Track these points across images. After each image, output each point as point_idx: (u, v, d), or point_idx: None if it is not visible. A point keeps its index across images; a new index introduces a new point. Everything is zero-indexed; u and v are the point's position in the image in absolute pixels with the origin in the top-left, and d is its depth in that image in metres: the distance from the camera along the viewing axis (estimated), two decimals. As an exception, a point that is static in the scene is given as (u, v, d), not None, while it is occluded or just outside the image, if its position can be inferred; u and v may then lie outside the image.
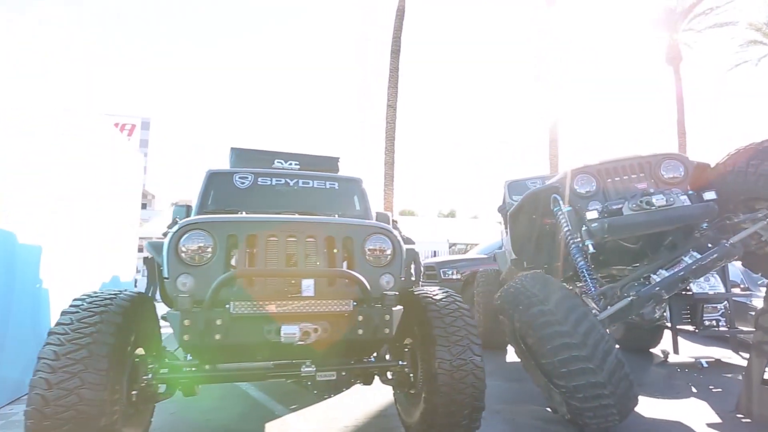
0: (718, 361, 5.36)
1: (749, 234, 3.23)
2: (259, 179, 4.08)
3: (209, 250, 2.35)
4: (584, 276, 3.58)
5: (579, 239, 3.59)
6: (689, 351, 5.91)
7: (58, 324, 2.25)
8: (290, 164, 5.11)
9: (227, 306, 2.07)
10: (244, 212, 3.44)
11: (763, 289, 5.86)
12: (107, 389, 2.15)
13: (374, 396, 3.92)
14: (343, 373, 2.56)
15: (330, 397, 2.86)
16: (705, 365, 5.05)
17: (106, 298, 2.45)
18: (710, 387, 4.30)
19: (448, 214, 44.90)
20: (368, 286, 2.28)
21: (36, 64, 4.30)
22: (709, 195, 3.29)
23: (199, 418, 3.40)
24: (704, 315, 5.19)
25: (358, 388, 3.89)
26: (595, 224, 3.36)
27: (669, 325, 5.04)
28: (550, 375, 2.95)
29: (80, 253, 5.01)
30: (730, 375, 4.80)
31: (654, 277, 3.29)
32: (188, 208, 3.85)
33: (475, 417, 2.61)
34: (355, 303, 2.24)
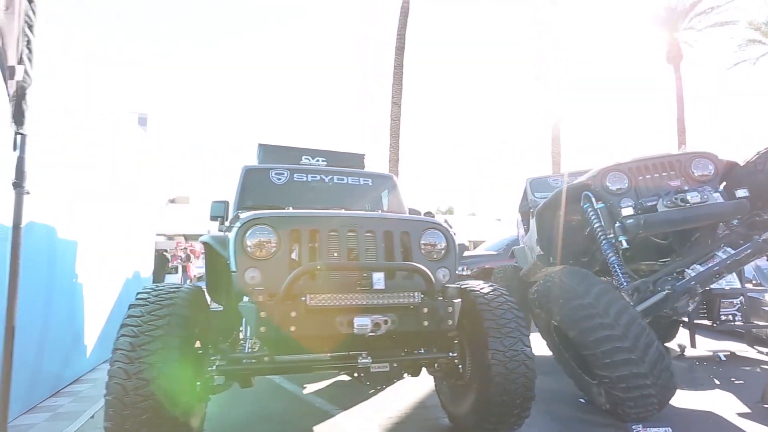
0: (733, 354, 5.49)
1: (780, 230, 3.34)
2: (295, 175, 4.13)
3: (273, 244, 2.42)
4: (615, 271, 3.69)
5: (612, 235, 3.68)
6: (704, 345, 6.05)
7: (129, 316, 2.31)
8: (317, 161, 5.17)
9: (303, 298, 2.13)
10: (291, 207, 3.50)
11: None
12: (181, 380, 2.22)
13: (411, 389, 4.02)
14: (395, 365, 2.64)
15: (382, 389, 2.93)
16: (723, 359, 5.18)
17: (170, 292, 2.51)
18: (732, 379, 4.43)
19: (447, 211, 45.09)
20: (434, 280, 2.36)
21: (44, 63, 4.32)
22: (741, 192, 3.39)
23: (245, 410, 3.48)
24: (721, 310, 5.31)
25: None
26: (631, 220, 3.45)
27: (685, 319, 5.16)
28: (593, 366, 3.04)
29: (106, 249, 5.04)
30: (748, 368, 4.93)
31: (688, 271, 3.39)
32: (226, 203, 3.90)
33: (526, 406, 2.70)
34: (421, 295, 2.31)
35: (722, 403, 3.71)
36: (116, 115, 5.19)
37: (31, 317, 3.38)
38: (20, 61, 1.97)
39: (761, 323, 5.54)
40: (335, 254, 2.48)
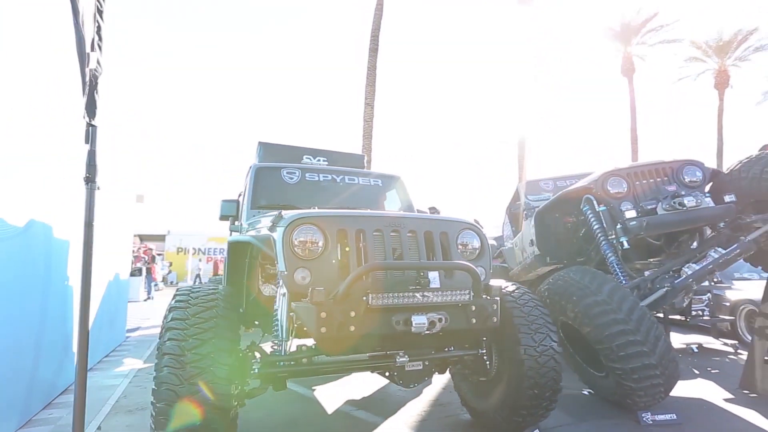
0: (701, 346, 5.97)
1: (761, 233, 3.69)
2: (307, 175, 4.09)
3: (320, 244, 2.40)
4: (615, 269, 3.92)
5: (613, 236, 3.92)
6: (675, 339, 6.52)
7: (173, 320, 2.22)
8: (318, 160, 5.13)
9: (364, 297, 2.13)
10: (304, 207, 3.46)
11: (735, 283, 6.59)
12: (231, 383, 2.16)
13: (425, 388, 4.07)
14: (427, 363, 2.69)
15: (414, 386, 2.97)
16: (696, 350, 5.62)
17: (209, 293, 2.44)
18: (708, 369, 4.83)
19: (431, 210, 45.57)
20: (481, 279, 2.43)
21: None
22: (729, 197, 3.72)
23: (260, 415, 3.41)
24: (692, 306, 5.77)
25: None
26: (634, 222, 3.69)
27: (660, 315, 5.56)
28: (608, 359, 3.23)
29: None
30: (718, 358, 5.38)
31: (685, 269, 3.68)
32: (238, 202, 3.79)
33: (555, 398, 2.83)
34: (472, 293, 2.37)
35: (707, 390, 4.04)
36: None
37: (28, 321, 3.15)
38: (92, 48, 1.84)
39: (725, 317, 6.06)
40: (381, 254, 2.49)
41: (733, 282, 6.56)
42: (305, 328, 2.19)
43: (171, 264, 23.38)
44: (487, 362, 2.97)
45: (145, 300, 13.63)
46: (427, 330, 2.21)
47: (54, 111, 3.64)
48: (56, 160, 3.64)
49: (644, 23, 21.65)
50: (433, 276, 2.36)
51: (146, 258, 14.48)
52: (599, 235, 4.06)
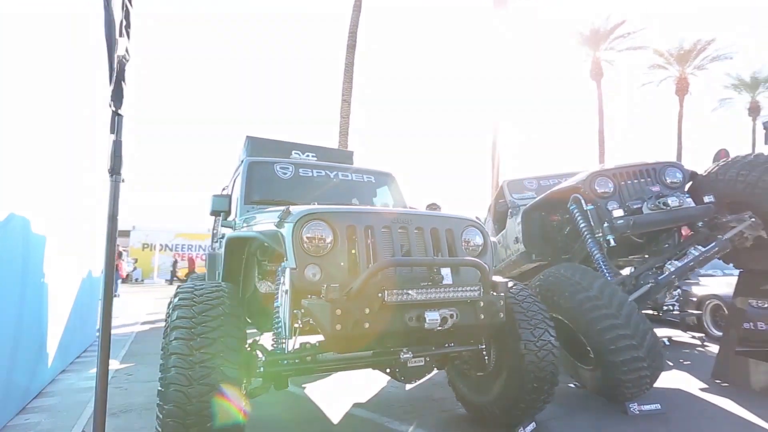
0: (671, 339, 6.28)
1: (736, 232, 3.92)
2: (300, 170, 4.03)
3: (329, 240, 2.36)
4: (601, 266, 4.06)
5: (600, 234, 4.05)
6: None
7: (179, 318, 2.14)
8: (307, 156, 5.04)
9: (380, 294, 2.11)
10: (316, 203, 3.39)
11: (701, 279, 6.97)
12: (241, 384, 2.10)
13: (403, 384, 4.09)
14: (428, 359, 2.71)
15: (415, 382, 2.98)
16: (667, 343, 5.90)
17: (213, 290, 2.36)
18: (681, 360, 5.09)
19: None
20: (489, 275, 2.46)
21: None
22: (709, 198, 3.92)
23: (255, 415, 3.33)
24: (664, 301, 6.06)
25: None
26: (621, 221, 3.83)
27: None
28: (598, 353, 3.34)
29: (64, 243, 4.49)
30: (687, 351, 5.68)
31: (668, 266, 3.85)
32: (229, 198, 3.67)
33: (552, 391, 2.91)
34: (481, 289, 2.39)
35: (683, 381, 4.26)
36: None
37: (3, 322, 2.95)
38: (121, 34, 1.71)
39: (693, 312, 6.41)
40: (389, 250, 2.48)
41: (698, 279, 6.94)
42: (318, 326, 2.15)
43: (136, 260, 22.50)
44: (486, 357, 3.02)
45: (111, 298, 13.02)
46: (439, 326, 2.22)
47: (32, 102, 3.41)
48: (32, 151, 3.42)
49: (612, 30, 22.50)
50: (446, 272, 2.37)
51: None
52: (586, 233, 4.19)
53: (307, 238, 2.31)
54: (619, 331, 3.25)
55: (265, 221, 2.73)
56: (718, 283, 6.51)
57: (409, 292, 2.15)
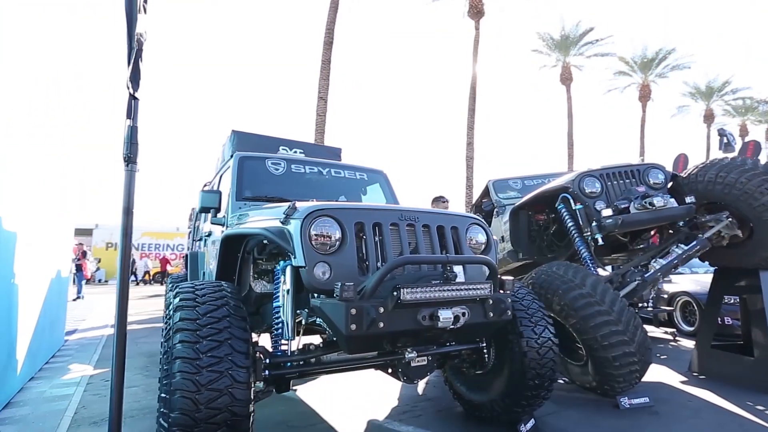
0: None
1: (715, 231, 4.09)
2: (293, 166, 3.91)
3: (338, 237, 2.29)
4: (588, 265, 4.16)
5: (588, 233, 4.15)
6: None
7: (181, 320, 2.01)
8: (295, 152, 4.93)
9: (395, 293, 2.06)
10: (314, 200, 3.30)
11: (672, 277, 7.28)
12: (251, 388, 2.00)
13: (397, 386, 4.06)
14: (429, 358, 2.69)
15: (417, 382, 2.93)
16: (643, 338, 6.12)
17: (216, 290, 2.25)
18: (657, 355, 5.28)
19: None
20: (498, 273, 2.45)
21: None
22: (690, 199, 4.08)
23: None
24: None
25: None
26: (610, 220, 3.93)
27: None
28: (592, 349, 3.41)
29: (33, 242, 4.20)
30: (662, 345, 5.92)
31: (653, 264, 3.98)
32: (219, 194, 3.52)
33: (551, 387, 2.94)
34: (492, 287, 2.38)
35: (663, 374, 4.42)
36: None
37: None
38: (139, 10, 1.57)
39: (665, 308, 6.68)
40: (397, 248, 2.43)
41: (670, 276, 7.24)
42: (329, 326, 2.08)
43: (99, 260, 21.47)
44: (486, 355, 3.02)
45: (74, 299, 12.37)
46: (452, 325, 2.19)
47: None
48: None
49: (582, 36, 23.22)
50: (459, 270, 2.34)
51: (76, 254, 13.14)
52: (574, 231, 4.28)
53: (316, 234, 2.23)
54: (612, 327, 3.32)
55: (265, 218, 2.62)
56: (687, 280, 6.82)
57: (424, 289, 2.10)
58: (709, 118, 30.56)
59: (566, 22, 24.19)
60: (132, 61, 1.56)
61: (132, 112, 1.57)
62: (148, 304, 11.98)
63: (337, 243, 2.28)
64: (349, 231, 2.31)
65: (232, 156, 3.97)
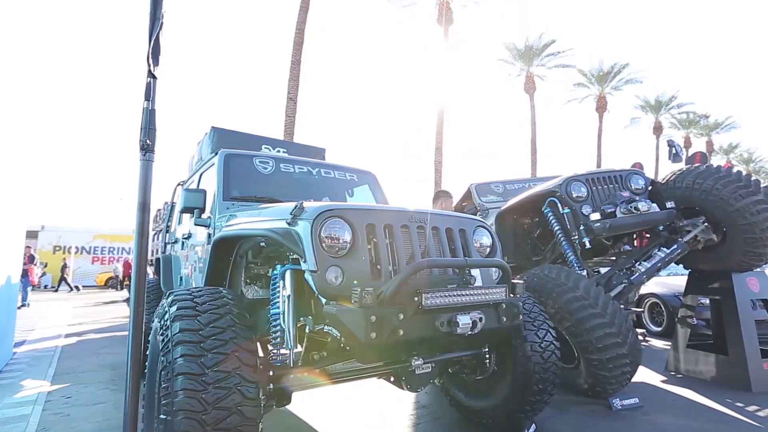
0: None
1: (692, 235, 4.26)
2: (282, 165, 3.72)
3: (348, 240, 2.15)
4: (575, 268, 4.21)
5: (576, 236, 4.20)
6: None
7: (182, 331, 1.81)
8: (278, 151, 4.72)
9: (416, 298, 1.94)
10: (311, 200, 3.12)
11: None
12: (260, 405, 1.82)
13: (387, 396, 3.95)
14: (433, 365, 2.59)
15: (421, 390, 2.82)
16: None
17: (216, 297, 2.05)
18: (633, 355, 5.44)
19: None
20: (510, 276, 2.38)
21: None
22: (670, 204, 4.22)
23: None
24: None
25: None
26: (599, 224, 4.00)
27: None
28: (586, 351, 3.43)
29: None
30: (634, 345, 6.11)
31: (638, 267, 4.08)
32: (204, 193, 3.27)
33: (554, 392, 2.92)
34: (507, 291, 2.31)
35: (642, 374, 4.54)
36: None
37: None
38: None
39: (635, 309, 6.94)
40: (408, 250, 2.32)
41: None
42: (345, 335, 1.93)
43: (46, 265, 19.92)
44: (487, 360, 2.95)
45: (19, 307, 11.36)
46: (470, 331, 2.11)
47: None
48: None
49: (544, 48, 24.11)
50: (476, 273, 2.26)
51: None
52: (560, 235, 4.33)
53: (326, 236, 2.08)
54: (606, 329, 3.36)
55: (266, 218, 2.43)
56: (654, 283, 7.11)
57: (444, 294, 2.00)
58: (657, 129, 32.54)
59: (530, 34, 25.03)
60: (154, 36, 1.35)
61: (150, 92, 1.36)
62: (105, 312, 11.19)
63: (348, 245, 2.14)
64: (361, 233, 2.18)
65: (214, 153, 3.73)
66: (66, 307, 12.02)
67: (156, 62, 1.37)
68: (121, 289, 19.24)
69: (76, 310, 11.44)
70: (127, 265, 19.84)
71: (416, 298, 1.94)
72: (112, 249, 22.12)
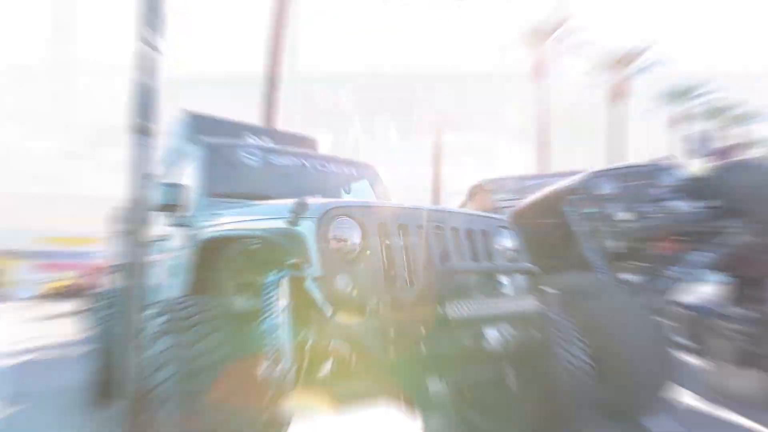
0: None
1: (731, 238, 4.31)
2: (271, 157, 3.68)
3: (359, 241, 2.13)
4: (602, 274, 4.25)
5: (602, 238, 4.23)
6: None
7: (170, 348, 1.77)
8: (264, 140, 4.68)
9: (440, 309, 1.92)
10: (311, 196, 3.09)
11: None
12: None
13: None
14: (448, 383, 2.58)
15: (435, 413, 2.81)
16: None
17: (206, 308, 2.01)
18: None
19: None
20: (540, 283, 2.39)
21: None
22: (706, 203, 4.26)
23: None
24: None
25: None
26: (630, 225, 4.04)
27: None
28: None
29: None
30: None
31: (673, 273, 4.14)
32: (182, 188, 3.21)
33: (585, 415, 2.92)
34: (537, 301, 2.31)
35: (679, 395, 4.59)
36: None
37: None
38: None
39: (671, 323, 7.00)
40: (423, 252, 2.30)
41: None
42: (358, 350, 1.91)
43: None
44: (508, 378, 2.95)
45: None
46: (497, 345, 2.10)
47: None
48: None
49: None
50: (506, 281, 2.25)
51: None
52: (584, 237, 4.35)
53: (335, 238, 2.06)
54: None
55: (261, 217, 2.40)
56: (685, 290, 7.19)
57: (473, 305, 1.99)
58: (681, 120, 33.02)
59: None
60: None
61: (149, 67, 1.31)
62: (54, 327, 10.98)
63: (358, 248, 2.12)
64: (372, 233, 2.16)
65: (192, 143, 3.67)
66: (5, 322, 11.77)
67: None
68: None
69: (25, 324, 11.22)
70: (92, 272, 19.48)
71: (441, 310, 1.93)
72: (64, 254, 21.67)
